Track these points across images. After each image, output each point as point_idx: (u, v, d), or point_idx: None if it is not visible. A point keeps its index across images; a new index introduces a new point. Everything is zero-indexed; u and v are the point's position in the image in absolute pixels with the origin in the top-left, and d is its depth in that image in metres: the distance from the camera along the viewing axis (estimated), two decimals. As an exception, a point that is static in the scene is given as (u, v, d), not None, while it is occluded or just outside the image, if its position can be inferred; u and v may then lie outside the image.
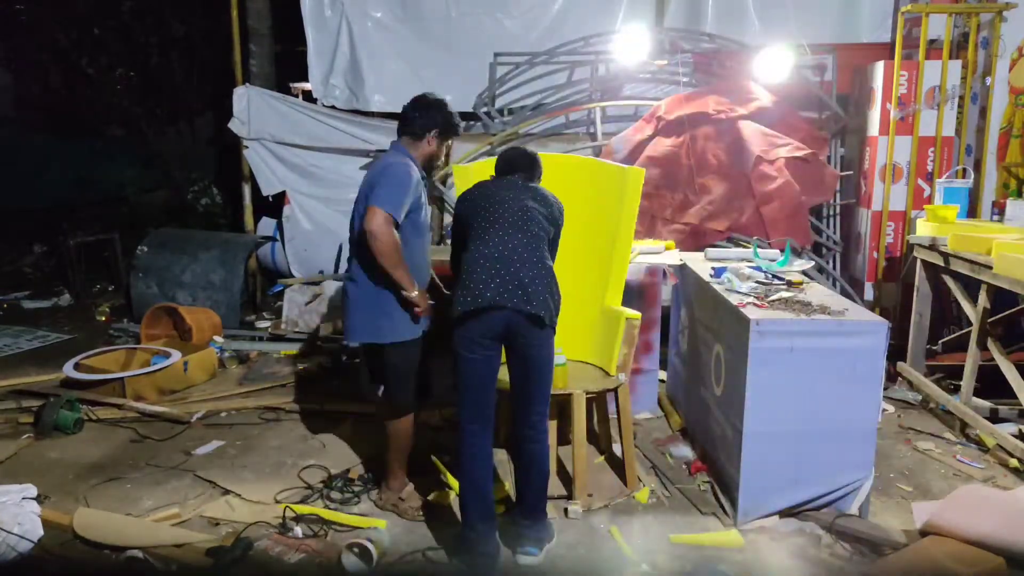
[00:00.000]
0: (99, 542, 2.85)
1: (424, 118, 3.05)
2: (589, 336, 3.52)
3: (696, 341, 3.77)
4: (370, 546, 2.69)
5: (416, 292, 2.95)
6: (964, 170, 4.94)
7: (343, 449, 3.78)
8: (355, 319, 3.03)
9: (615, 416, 3.48)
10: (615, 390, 3.34)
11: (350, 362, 4.98)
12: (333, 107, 6.76)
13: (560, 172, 3.44)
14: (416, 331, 3.04)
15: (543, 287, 2.71)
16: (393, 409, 3.12)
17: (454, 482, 3.29)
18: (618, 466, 3.47)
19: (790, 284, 3.52)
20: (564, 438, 3.42)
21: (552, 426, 3.21)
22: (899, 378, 4.59)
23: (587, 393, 3.20)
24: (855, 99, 5.52)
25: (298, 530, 2.96)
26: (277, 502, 3.20)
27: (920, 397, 4.43)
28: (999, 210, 4.55)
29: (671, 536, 2.96)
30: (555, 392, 3.16)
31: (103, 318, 6.34)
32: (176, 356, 4.66)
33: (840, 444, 2.99)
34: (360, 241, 2.91)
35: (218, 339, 5.32)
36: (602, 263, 3.49)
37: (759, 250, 4.08)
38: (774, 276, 3.64)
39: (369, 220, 2.80)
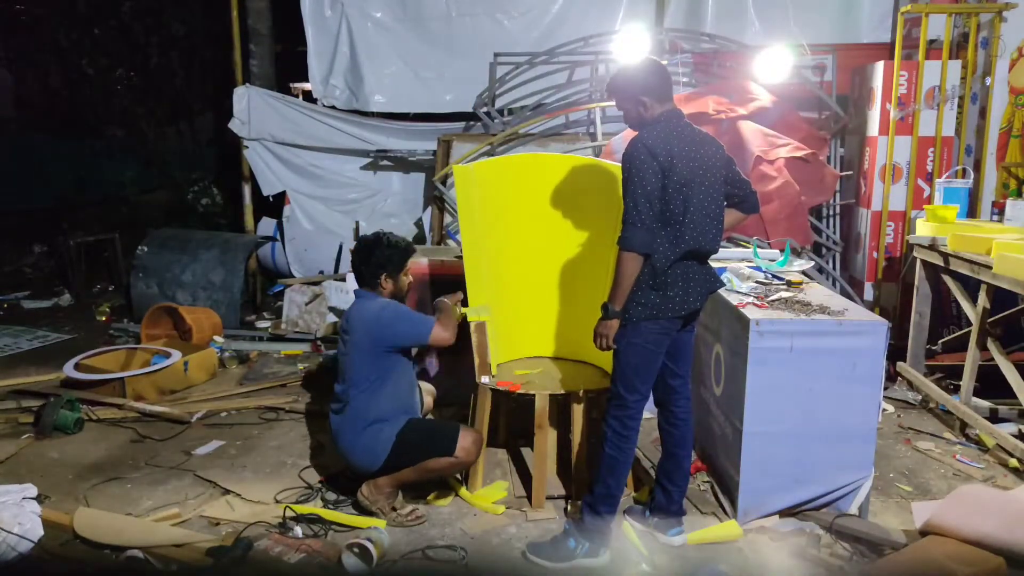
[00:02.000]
0: (99, 542, 2.85)
1: (369, 267, 3.12)
2: (589, 336, 3.51)
3: (696, 341, 3.76)
4: (370, 546, 2.69)
5: None
6: (964, 170, 4.94)
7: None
8: None
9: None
10: (615, 390, 3.33)
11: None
12: (333, 107, 6.77)
13: (560, 172, 3.44)
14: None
15: None
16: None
17: (456, 484, 3.30)
18: (618, 466, 3.46)
19: (790, 284, 3.52)
20: (564, 438, 3.42)
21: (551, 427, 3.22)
22: (899, 378, 4.59)
23: (587, 393, 3.20)
24: (855, 99, 5.52)
25: (298, 530, 2.96)
26: (277, 502, 3.20)
27: (920, 397, 4.43)
28: (999, 210, 4.54)
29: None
30: (554, 392, 3.18)
31: (103, 318, 6.34)
32: (176, 356, 4.66)
33: (840, 444, 2.99)
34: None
35: (218, 339, 5.32)
36: (602, 263, 3.49)
37: (759, 250, 4.08)
38: (774, 276, 3.64)
39: (438, 342, 3.04)
